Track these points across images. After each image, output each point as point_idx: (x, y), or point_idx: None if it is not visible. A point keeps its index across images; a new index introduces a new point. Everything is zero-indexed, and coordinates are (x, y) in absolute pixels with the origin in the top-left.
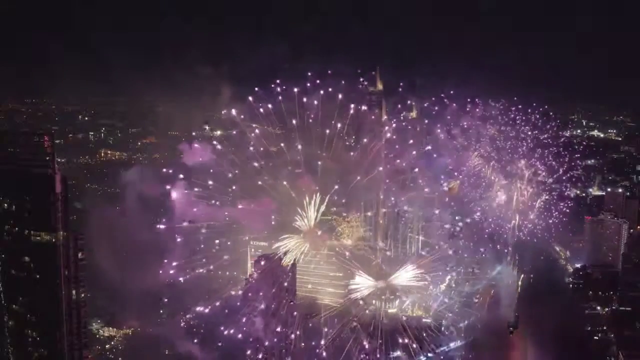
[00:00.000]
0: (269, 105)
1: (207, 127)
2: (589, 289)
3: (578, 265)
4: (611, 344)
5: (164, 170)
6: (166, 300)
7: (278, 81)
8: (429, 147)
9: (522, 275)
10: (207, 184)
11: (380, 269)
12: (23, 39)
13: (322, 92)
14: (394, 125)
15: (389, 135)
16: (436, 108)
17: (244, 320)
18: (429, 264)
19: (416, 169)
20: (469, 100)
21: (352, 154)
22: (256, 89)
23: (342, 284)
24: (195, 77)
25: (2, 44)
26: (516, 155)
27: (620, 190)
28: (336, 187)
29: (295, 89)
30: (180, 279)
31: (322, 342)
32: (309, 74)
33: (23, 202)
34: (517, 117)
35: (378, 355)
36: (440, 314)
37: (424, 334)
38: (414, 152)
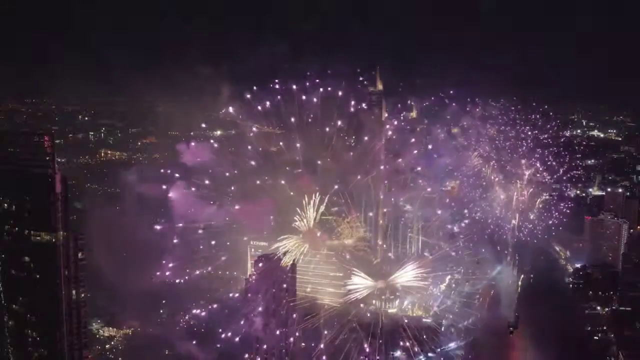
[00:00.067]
0: (269, 105)
1: (204, 125)
2: (589, 289)
3: (578, 265)
4: (611, 344)
5: (162, 170)
6: (165, 301)
7: (278, 81)
8: (430, 146)
9: (522, 275)
10: (206, 184)
11: (380, 269)
12: (23, 39)
13: (322, 91)
14: (395, 123)
15: (389, 135)
16: (436, 108)
17: (243, 320)
18: (429, 264)
19: (419, 168)
20: (468, 100)
21: (351, 154)
22: (256, 88)
23: (342, 284)
24: (195, 77)
25: (2, 44)
26: (516, 155)
27: (620, 190)
28: (336, 186)
29: (295, 89)
30: (178, 280)
31: (322, 342)
32: (309, 73)
33: (23, 202)
34: (517, 117)
35: (378, 356)
36: (440, 314)
37: (424, 334)
38: (414, 152)
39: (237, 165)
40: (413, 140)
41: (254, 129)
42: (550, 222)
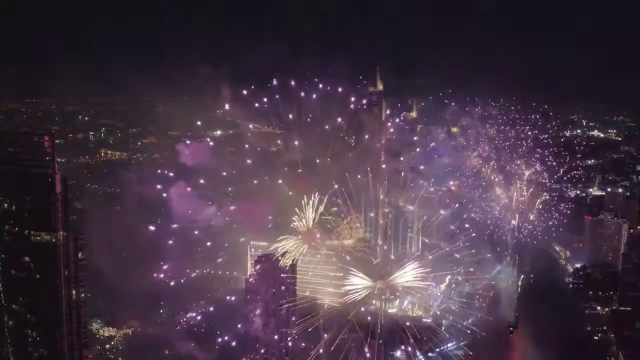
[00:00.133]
0: (269, 105)
1: (202, 124)
2: (589, 289)
3: (578, 265)
4: (611, 344)
5: (159, 171)
6: (165, 301)
7: (278, 81)
8: (433, 144)
9: (522, 275)
10: (205, 184)
11: (380, 269)
12: (23, 39)
13: (321, 92)
14: (395, 123)
15: (389, 134)
16: (434, 109)
17: (243, 320)
18: (429, 264)
19: (422, 167)
20: (468, 99)
21: (350, 154)
22: (256, 88)
23: (342, 284)
24: (195, 77)
25: (2, 44)
26: (516, 155)
27: (620, 190)
28: (336, 186)
29: (295, 89)
30: (173, 283)
31: (322, 342)
32: (309, 74)
33: (23, 202)
34: (517, 117)
35: (377, 356)
36: (440, 314)
37: (424, 334)
38: (414, 152)
39: (236, 165)
40: (413, 140)
41: (251, 127)
42: (550, 223)
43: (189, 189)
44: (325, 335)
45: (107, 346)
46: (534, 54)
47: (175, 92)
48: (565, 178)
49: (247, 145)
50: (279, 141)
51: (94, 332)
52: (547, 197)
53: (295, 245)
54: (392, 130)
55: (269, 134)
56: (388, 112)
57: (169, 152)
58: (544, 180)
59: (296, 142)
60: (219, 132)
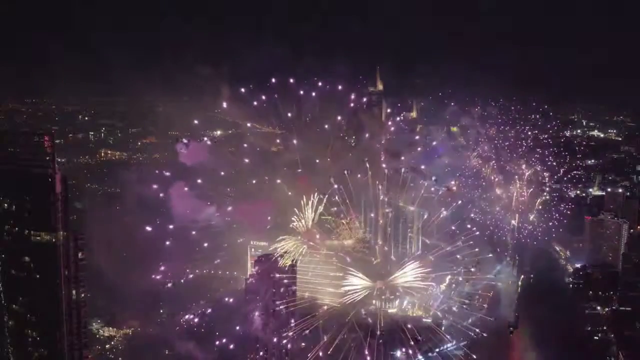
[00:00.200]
0: (268, 105)
1: (202, 125)
2: (589, 289)
3: (578, 265)
4: (611, 344)
5: (157, 171)
6: (164, 301)
7: (278, 81)
8: (435, 143)
9: (522, 275)
10: (205, 184)
11: (379, 270)
12: (23, 39)
13: (321, 91)
14: (395, 122)
15: (389, 134)
16: (434, 109)
17: (243, 320)
18: (429, 264)
19: (422, 166)
20: (467, 99)
21: (350, 154)
22: (256, 88)
23: (342, 285)
24: (196, 77)
25: (2, 44)
26: (516, 155)
27: (620, 190)
28: (335, 186)
29: (295, 89)
30: (170, 284)
31: (322, 342)
32: (309, 73)
33: (23, 202)
34: (517, 117)
35: (377, 356)
36: (440, 314)
37: (424, 334)
38: (414, 152)
39: (236, 165)
40: (413, 139)
41: (249, 125)
42: (550, 223)
43: (187, 189)
44: (325, 335)
45: (107, 346)
46: (534, 54)
47: (176, 92)
48: (565, 178)
49: (245, 145)
50: (278, 141)
51: (94, 332)
52: (547, 197)
53: (295, 245)
54: (392, 130)
55: (268, 133)
56: (388, 111)
57: (169, 152)
58: (544, 180)
59: (296, 142)
60: (218, 132)
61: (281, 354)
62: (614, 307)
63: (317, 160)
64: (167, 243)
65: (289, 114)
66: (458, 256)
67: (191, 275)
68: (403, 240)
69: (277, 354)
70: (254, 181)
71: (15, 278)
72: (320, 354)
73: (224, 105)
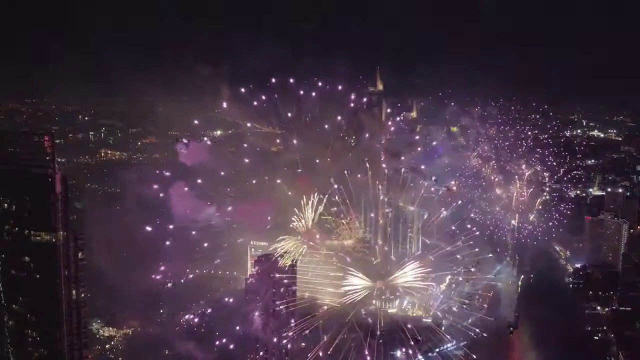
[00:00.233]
0: (268, 105)
1: (202, 125)
2: (589, 289)
3: (578, 265)
4: (611, 344)
5: (157, 172)
6: (164, 301)
7: (278, 81)
8: (435, 143)
9: (522, 275)
10: (205, 184)
11: (379, 270)
12: (23, 39)
13: (321, 91)
14: (395, 122)
15: (389, 134)
16: (434, 109)
17: (243, 320)
18: (429, 264)
19: (422, 167)
20: (467, 99)
21: (350, 154)
22: (256, 88)
23: (342, 285)
24: (196, 77)
25: (2, 44)
26: (516, 155)
27: (620, 190)
28: (335, 186)
29: (295, 89)
30: (170, 284)
31: (322, 342)
32: (309, 73)
33: (23, 202)
34: (517, 117)
35: (377, 356)
36: (440, 314)
37: (424, 334)
38: (414, 152)
39: (236, 165)
40: (413, 139)
41: (249, 125)
42: (550, 223)
43: (187, 189)
44: (325, 335)
45: (107, 346)
46: (534, 54)
47: (176, 92)
48: (565, 178)
49: (245, 145)
50: (278, 141)
51: (94, 332)
52: (547, 197)
53: (294, 245)
54: (392, 130)
55: (268, 133)
56: (388, 111)
57: (169, 152)
58: (544, 180)
59: (296, 142)
60: (218, 132)
61: (281, 354)
62: (614, 307)
63: (317, 160)
64: (167, 243)
65: (289, 114)
66: (458, 256)
67: (191, 275)
68: (403, 240)
69: (277, 354)
70: (254, 181)
71: (15, 278)
72: (320, 354)
73: (224, 105)
